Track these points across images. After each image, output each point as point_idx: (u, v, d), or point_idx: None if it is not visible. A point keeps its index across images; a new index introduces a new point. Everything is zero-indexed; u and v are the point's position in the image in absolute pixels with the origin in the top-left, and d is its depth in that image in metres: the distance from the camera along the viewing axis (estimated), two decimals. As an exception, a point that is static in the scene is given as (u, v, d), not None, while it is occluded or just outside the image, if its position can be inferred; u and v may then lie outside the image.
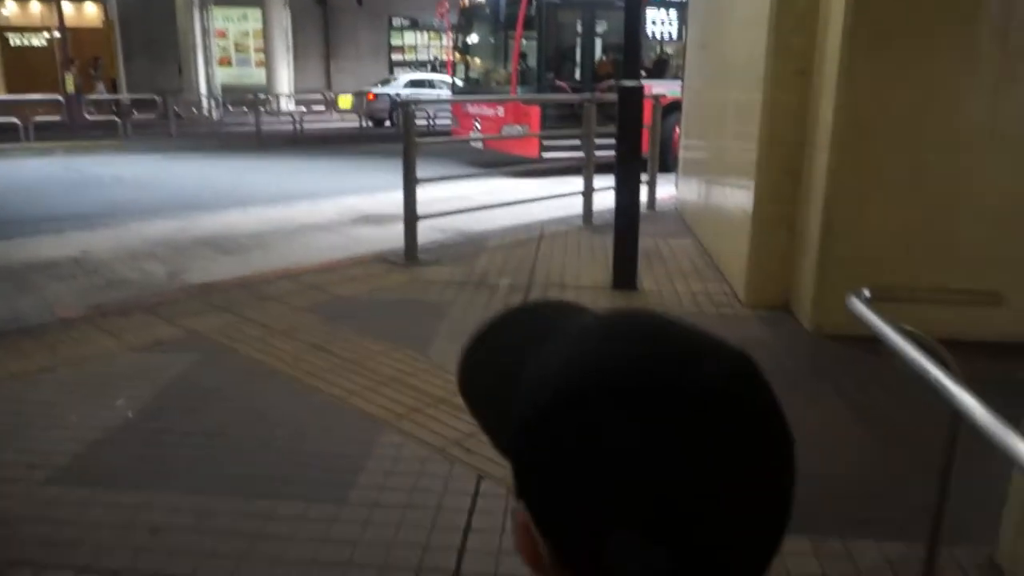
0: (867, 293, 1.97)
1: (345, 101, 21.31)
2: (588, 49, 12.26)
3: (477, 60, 14.04)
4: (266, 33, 26.15)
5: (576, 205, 7.56)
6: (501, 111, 11.88)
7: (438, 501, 2.69)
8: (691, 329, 0.53)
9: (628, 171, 5.30)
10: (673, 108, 10.32)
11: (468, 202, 7.41)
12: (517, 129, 11.65)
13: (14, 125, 15.71)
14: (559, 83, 11.67)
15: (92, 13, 28.62)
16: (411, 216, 5.97)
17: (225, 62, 28.36)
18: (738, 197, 5.36)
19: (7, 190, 10.68)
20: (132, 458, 3.01)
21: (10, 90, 25.80)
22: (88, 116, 16.97)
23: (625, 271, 5.31)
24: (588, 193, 7.44)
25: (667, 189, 8.89)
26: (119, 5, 26.87)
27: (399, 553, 2.41)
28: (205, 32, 25.25)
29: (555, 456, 0.49)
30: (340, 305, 4.87)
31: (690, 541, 0.46)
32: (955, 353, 1.83)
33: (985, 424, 1.67)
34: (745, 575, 0.49)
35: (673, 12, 12.82)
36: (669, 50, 13.11)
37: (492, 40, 13.36)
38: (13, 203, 9.68)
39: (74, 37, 22.24)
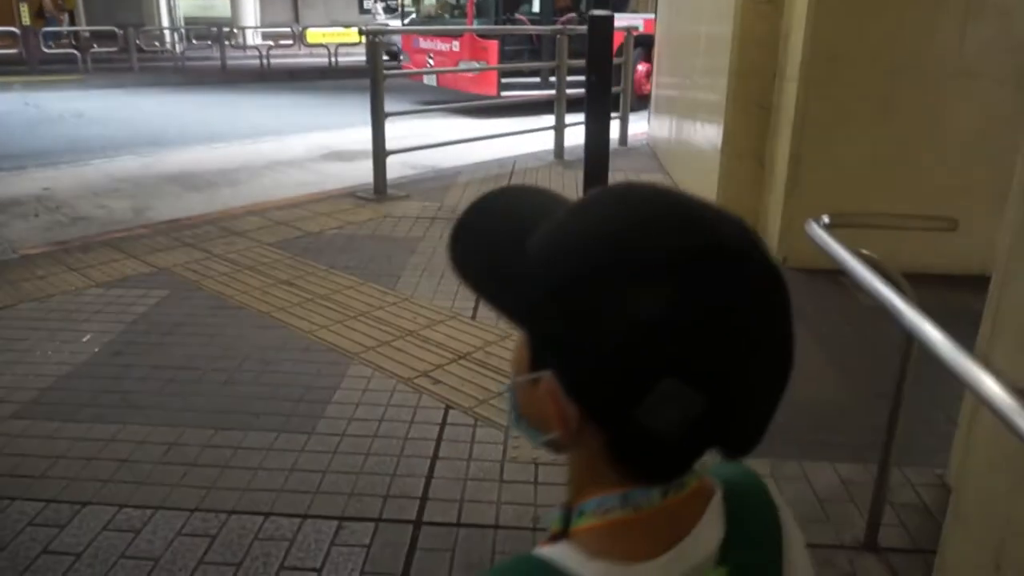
0: (826, 219, 1.99)
1: (314, 36, 20.74)
2: None
3: None
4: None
5: (549, 140, 7.50)
6: (456, 46, 11.23)
7: (406, 431, 2.72)
8: (694, 197, 0.57)
9: (598, 105, 5.25)
10: (635, 44, 10.19)
11: (439, 138, 7.31)
12: (474, 65, 11.01)
13: (-32, 59, 15.16)
14: (517, 16, 11.23)
15: (46, -59, 27.41)
16: (380, 151, 5.89)
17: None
18: (708, 131, 5.34)
19: (-37, 126, 10.35)
20: (99, 392, 3.00)
21: (-38, 22, 24.78)
22: (46, 50, 16.38)
23: (595, 206, 5.29)
24: (560, 128, 7.37)
25: (640, 126, 8.84)
26: (74, -68, 25.71)
27: (367, 480, 2.45)
28: (166, -38, 24.31)
29: (588, 320, 0.52)
30: (309, 241, 4.83)
31: (720, 384, 0.52)
32: (915, 285, 1.86)
33: (938, 346, 1.71)
34: (761, 416, 0.56)
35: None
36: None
37: None
38: (-30, 140, 9.40)
39: (28, -34, 21.33)
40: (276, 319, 3.63)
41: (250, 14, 25.25)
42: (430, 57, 11.90)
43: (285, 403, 2.90)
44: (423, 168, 7.14)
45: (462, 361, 3.22)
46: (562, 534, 0.60)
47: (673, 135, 7.04)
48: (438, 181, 6.52)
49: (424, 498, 2.37)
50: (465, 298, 3.92)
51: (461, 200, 5.84)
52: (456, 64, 11.25)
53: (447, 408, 2.86)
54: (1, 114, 11.50)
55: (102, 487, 2.40)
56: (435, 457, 2.58)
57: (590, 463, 0.58)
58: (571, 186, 6.28)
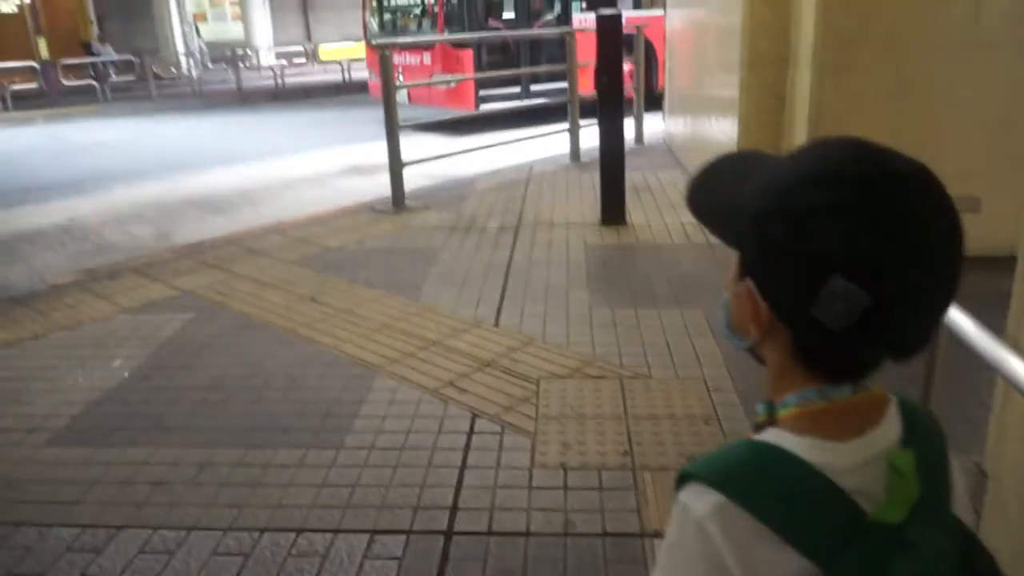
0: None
1: (327, 52, 20.91)
2: None
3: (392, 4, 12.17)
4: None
5: (564, 143, 7.50)
6: (428, 58, 10.37)
7: (433, 441, 2.72)
8: (874, 142, 0.69)
9: (610, 105, 5.23)
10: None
11: (454, 147, 7.33)
12: (445, 79, 10.14)
13: (-9, 95, 15.48)
14: (491, 22, 10.45)
15: (61, -25, 27.93)
16: (396, 163, 5.92)
17: (200, 18, 27.79)
18: (724, 124, 5.31)
19: (-10, 161, 10.56)
20: (130, 416, 3.04)
21: (-16, 59, 25.30)
22: (65, 82, 16.66)
23: (612, 207, 5.29)
24: (575, 130, 7.36)
25: (655, 123, 8.80)
26: (88, -35, 26.16)
27: (397, 493, 2.45)
28: (179, -9, 24.66)
29: (774, 227, 0.67)
30: (330, 256, 4.86)
31: (881, 284, 0.63)
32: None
33: (966, 331, 1.68)
34: (924, 322, 0.68)
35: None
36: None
37: None
38: (-3, 174, 9.58)
39: (45, 2, 21.76)
40: (301, 335, 3.65)
41: (263, 34, 25.53)
42: (399, 72, 10.66)
43: (313, 419, 2.92)
44: (440, 178, 7.16)
45: (487, 369, 3.21)
46: (767, 423, 0.74)
47: (689, 130, 7.00)
48: (455, 190, 6.53)
49: (454, 508, 2.37)
50: (488, 305, 3.93)
51: (479, 208, 5.86)
52: (430, 77, 10.36)
53: (474, 416, 2.86)
54: (25, 148, 11.71)
55: (137, 510, 2.43)
56: (463, 466, 2.57)
57: (783, 363, 0.73)
58: (588, 187, 6.26)
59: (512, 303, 3.95)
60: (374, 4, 11.87)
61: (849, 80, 4.14)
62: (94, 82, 16.98)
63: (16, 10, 27.88)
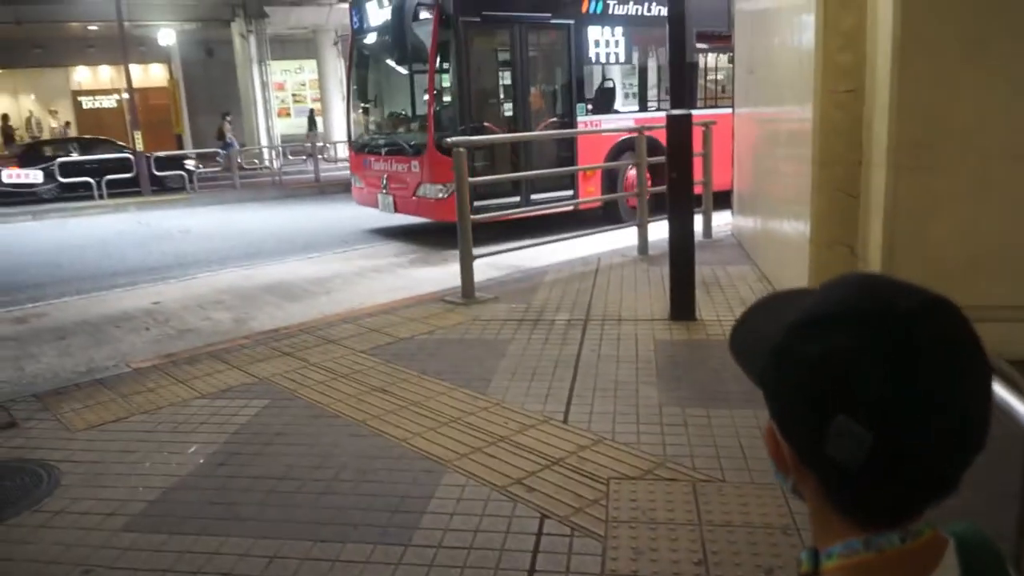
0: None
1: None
2: (522, 79, 9.66)
3: (377, 101, 11.36)
4: (321, 84, 26.97)
5: (630, 235, 7.56)
6: (415, 165, 9.37)
7: (502, 542, 2.68)
8: (895, 278, 0.70)
9: (679, 201, 5.27)
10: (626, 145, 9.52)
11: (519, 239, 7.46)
12: (436, 189, 9.08)
13: (88, 184, 16.50)
14: (486, 124, 9.47)
15: (158, 74, 30.02)
16: (467, 255, 6.04)
17: (284, 113, 29.39)
18: (795, 219, 5.28)
19: (85, 246, 11.18)
20: (204, 504, 3.09)
21: (83, 151, 27.10)
22: (156, 172, 17.67)
23: (682, 302, 5.26)
24: (643, 224, 7.42)
25: (723, 217, 8.81)
26: (183, 65, 28.08)
27: (464, 595, 2.41)
28: (264, 86, 26.19)
29: (783, 365, 0.68)
30: (401, 347, 4.94)
31: (885, 424, 0.62)
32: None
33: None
34: (935, 472, 0.65)
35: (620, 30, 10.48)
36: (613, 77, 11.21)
37: (398, 74, 10.70)
38: (91, 258, 10.13)
39: (141, 97, 23.34)
40: (371, 427, 3.69)
41: (340, 128, 26.74)
42: (384, 179, 10.05)
43: (382, 513, 2.91)
44: (509, 268, 7.27)
45: (556, 467, 3.18)
46: (812, 574, 0.71)
47: (758, 225, 6.98)
48: (525, 282, 6.61)
49: (523, 614, 2.31)
50: (556, 400, 3.91)
51: (548, 300, 5.90)
52: (417, 188, 9.39)
53: (542, 517, 2.82)
54: (116, 233, 12.38)
55: (207, 602, 2.44)
56: (532, 570, 2.52)
57: (821, 507, 0.71)
58: (656, 281, 6.26)
59: (581, 399, 3.93)
60: (360, 106, 11.35)
61: (925, 180, 4.09)
62: (182, 172, 17.95)
63: (115, 104, 29.94)
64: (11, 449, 3.73)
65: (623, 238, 7.84)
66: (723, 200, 8.88)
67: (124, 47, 18.01)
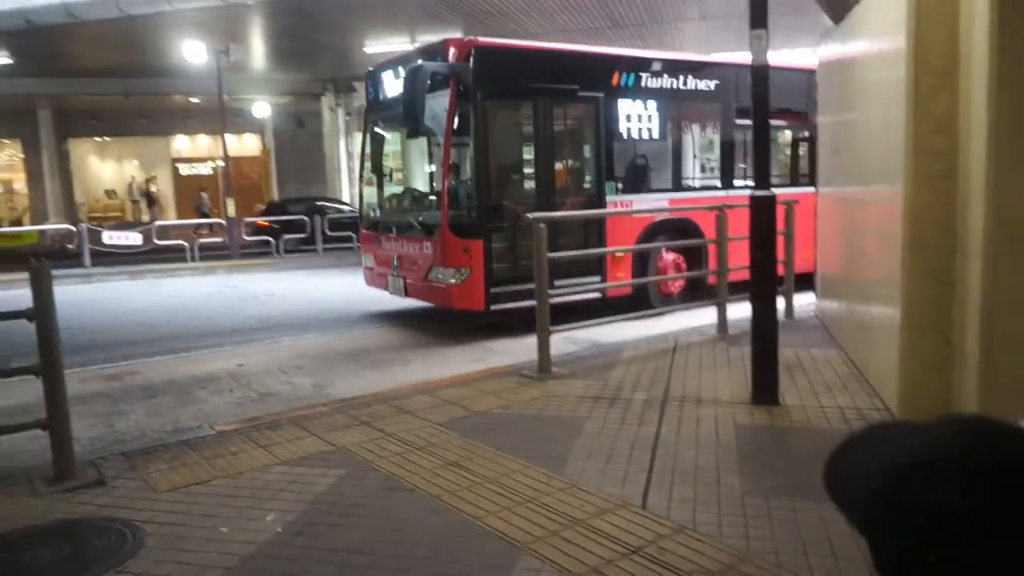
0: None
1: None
2: (546, 155, 8.89)
3: (392, 175, 10.90)
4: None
5: (709, 314, 7.45)
6: (427, 247, 8.48)
7: (578, 633, 2.60)
8: (998, 420, 0.68)
9: (763, 281, 5.19)
10: (658, 229, 9.34)
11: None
12: (449, 273, 8.17)
13: (182, 247, 17.33)
14: (506, 204, 8.61)
15: (251, 143, 31.62)
16: (544, 329, 6.05)
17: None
18: (884, 305, 5.12)
19: (176, 307, 11.67)
20: (280, 574, 3.10)
21: (181, 215, 28.60)
22: (245, 237, 18.45)
23: (765, 384, 5.13)
24: (722, 303, 7.32)
25: (804, 298, 8.62)
26: (275, 135, 29.55)
27: None
28: (349, 156, 27.24)
29: (904, 523, 0.64)
30: (476, 420, 4.94)
31: None
32: None
33: None
34: None
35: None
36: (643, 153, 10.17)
37: (412, 148, 10.41)
38: (180, 319, 10.56)
39: (235, 165, 24.54)
40: (447, 503, 3.67)
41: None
42: (395, 259, 9.28)
43: (455, 595, 2.87)
44: (585, 343, 7.24)
45: (635, 556, 3.08)
46: None
47: (844, 308, 6.79)
48: (601, 358, 6.56)
49: None
50: (634, 484, 3.82)
51: (625, 378, 5.83)
52: (429, 271, 8.48)
53: (620, 609, 2.73)
54: (206, 294, 12.91)
55: None
56: (610, 666, 2.43)
57: None
58: (736, 361, 6.14)
59: (660, 483, 3.83)
60: (372, 179, 10.63)
61: (1026, 269, 3.93)
62: (270, 238, 18.67)
63: (211, 172, 31.55)
64: (99, 507, 3.84)
65: (701, 316, 7.74)
66: (802, 282, 8.71)
67: (223, 118, 19.08)
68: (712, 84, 10.05)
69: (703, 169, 11.00)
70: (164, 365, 7.62)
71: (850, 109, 6.50)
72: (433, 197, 8.97)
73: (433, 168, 9.52)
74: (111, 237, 17.91)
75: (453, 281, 8.13)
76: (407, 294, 9.07)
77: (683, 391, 5.44)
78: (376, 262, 9.95)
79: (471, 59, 8.11)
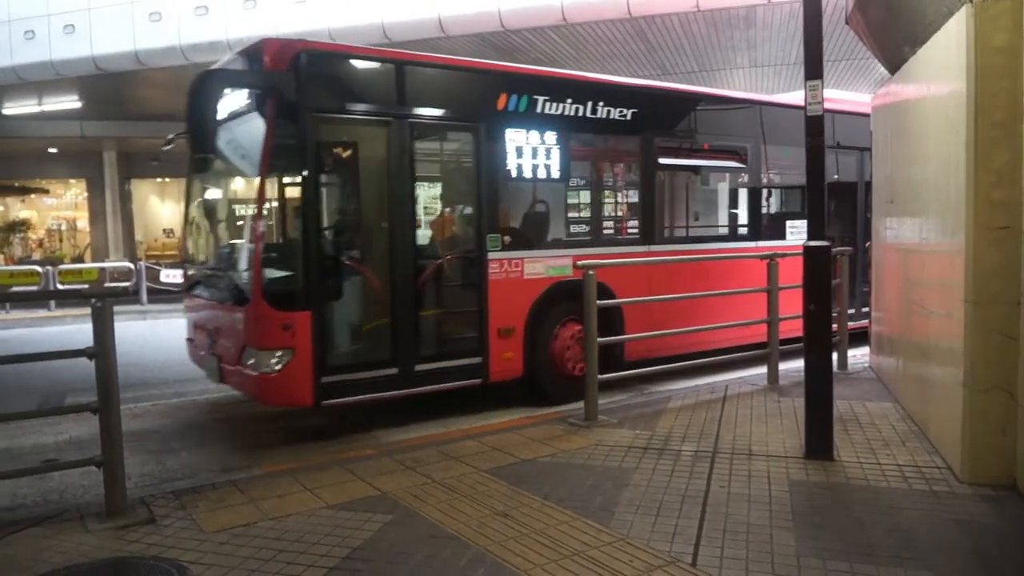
0: None
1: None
2: (402, 201, 6.46)
3: (211, 224, 7.76)
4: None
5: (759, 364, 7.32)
6: (239, 321, 6.07)
7: None
8: None
9: (818, 332, 5.08)
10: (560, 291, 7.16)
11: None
12: (265, 357, 5.74)
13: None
14: (347, 262, 6.27)
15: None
16: (592, 375, 5.99)
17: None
18: (945, 360, 4.96)
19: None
20: (324, 622, 3.08)
21: (234, 254, 29.08)
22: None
23: (819, 440, 4.98)
24: (773, 352, 7.18)
25: (856, 350, 8.42)
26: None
27: None
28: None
29: None
30: (523, 468, 4.88)
31: None
32: None
33: None
34: None
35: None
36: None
37: (223, 188, 7.80)
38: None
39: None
40: (492, 554, 3.61)
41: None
42: (209, 333, 6.75)
43: (501, 651, 2.81)
44: (632, 390, 7.15)
45: (685, 617, 2.99)
46: None
47: (902, 362, 6.60)
48: (649, 407, 6.47)
49: None
50: (684, 540, 3.72)
51: (673, 428, 5.73)
52: (241, 353, 6.01)
53: (671, 674, 2.64)
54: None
55: None
56: None
57: None
58: (789, 415, 6.00)
59: (710, 541, 3.73)
60: (195, 225, 7.82)
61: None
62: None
63: (265, 213, 32.18)
64: (148, 546, 3.88)
65: (750, 364, 7.60)
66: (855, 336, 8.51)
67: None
68: (633, 113, 7.91)
69: (618, 219, 8.33)
70: (216, 402, 7.72)
71: (907, 159, 6.40)
72: (244, 254, 6.19)
73: (248, 213, 6.28)
74: (168, 275, 18.35)
75: (267, 370, 5.74)
76: (222, 380, 6.48)
77: (733, 443, 5.32)
78: (195, 333, 7.32)
79: (295, 67, 5.88)
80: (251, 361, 5.88)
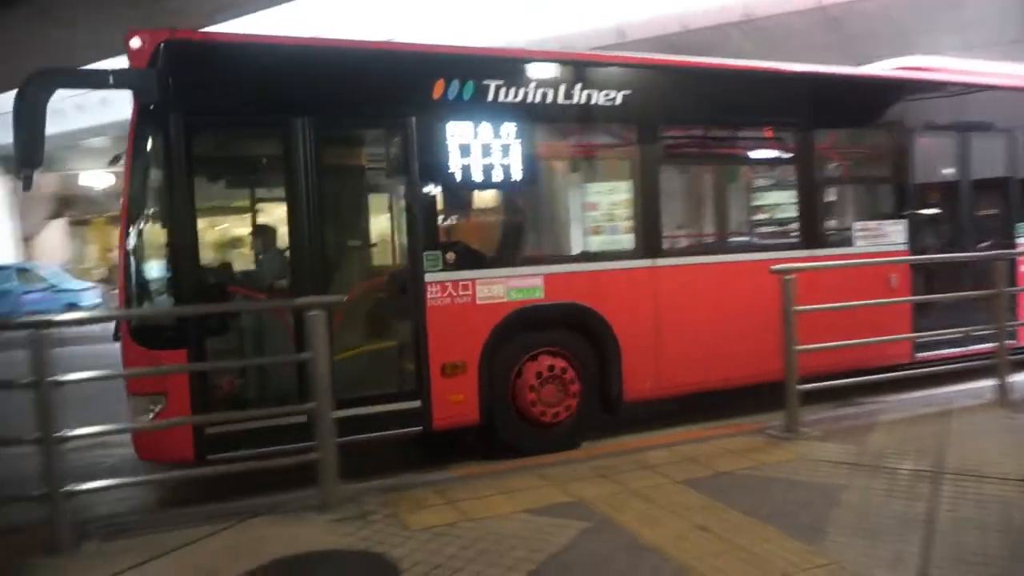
0: None
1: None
2: (309, 215, 5.35)
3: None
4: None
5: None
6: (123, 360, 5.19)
7: None
8: None
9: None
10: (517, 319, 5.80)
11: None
12: (137, 407, 5.03)
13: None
14: (238, 290, 5.74)
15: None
16: (792, 384, 5.66)
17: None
18: None
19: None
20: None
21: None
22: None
23: (1065, 462, 4.37)
24: (1002, 363, 6.43)
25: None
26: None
27: None
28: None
29: None
30: (721, 481, 4.69)
31: None
32: None
33: None
34: None
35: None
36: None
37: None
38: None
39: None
40: (694, 569, 3.49)
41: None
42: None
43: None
44: (838, 401, 6.69)
45: (916, 654, 2.73)
46: None
47: None
48: (857, 419, 6.02)
49: None
50: (908, 570, 3.41)
51: (887, 444, 5.29)
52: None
53: None
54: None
55: None
56: None
57: None
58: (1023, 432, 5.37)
59: (940, 571, 3.38)
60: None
61: None
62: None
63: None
64: (359, 539, 4.09)
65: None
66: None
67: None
68: (620, 96, 6.29)
69: (604, 230, 7.08)
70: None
71: None
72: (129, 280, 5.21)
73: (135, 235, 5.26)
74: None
75: (141, 418, 5.03)
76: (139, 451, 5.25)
77: (961, 463, 4.81)
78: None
79: (159, 61, 4.99)
80: (130, 408, 5.11)
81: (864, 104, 7.69)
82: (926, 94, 7.96)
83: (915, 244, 7.57)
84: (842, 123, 7.65)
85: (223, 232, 5.71)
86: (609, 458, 5.28)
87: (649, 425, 6.63)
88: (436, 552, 3.85)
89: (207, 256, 5.50)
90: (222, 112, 5.25)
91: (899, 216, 7.62)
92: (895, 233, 7.53)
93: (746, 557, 3.59)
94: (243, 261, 5.69)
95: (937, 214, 8.07)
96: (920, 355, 7.33)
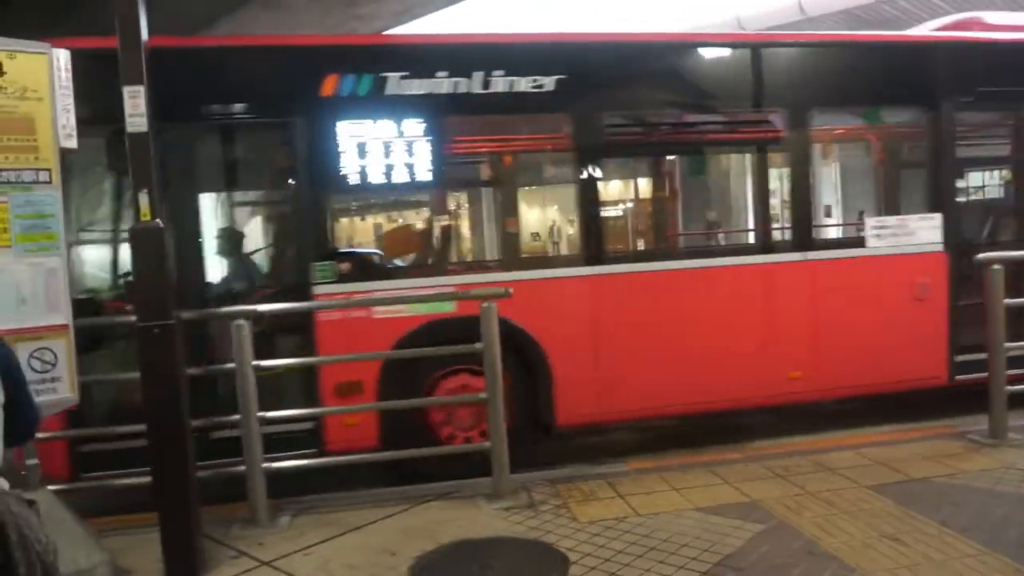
0: None
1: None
2: (185, 222, 4.95)
3: None
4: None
5: None
6: None
7: None
8: None
9: None
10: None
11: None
12: None
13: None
14: (103, 302, 5.26)
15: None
16: (997, 384, 5.16)
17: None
18: None
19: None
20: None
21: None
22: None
23: None
24: None
25: None
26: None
27: None
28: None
29: None
30: (914, 488, 4.36)
31: None
32: None
33: None
34: None
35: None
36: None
37: None
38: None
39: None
40: (882, 581, 3.27)
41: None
42: None
43: None
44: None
45: None
46: None
47: None
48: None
49: None
50: None
51: (1112, 455, 4.71)
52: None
53: None
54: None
55: None
56: None
57: None
58: None
59: None
60: None
61: None
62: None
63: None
64: (529, 528, 4.16)
65: None
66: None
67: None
68: (548, 82, 5.43)
69: (523, 234, 6.19)
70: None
71: None
72: None
73: None
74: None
75: None
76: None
77: None
78: None
79: None
80: None
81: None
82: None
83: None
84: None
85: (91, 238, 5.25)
86: (784, 458, 5.04)
87: (819, 426, 6.27)
88: (605, 546, 3.85)
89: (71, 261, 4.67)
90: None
91: None
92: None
93: (941, 572, 3.31)
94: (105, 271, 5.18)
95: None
96: None
